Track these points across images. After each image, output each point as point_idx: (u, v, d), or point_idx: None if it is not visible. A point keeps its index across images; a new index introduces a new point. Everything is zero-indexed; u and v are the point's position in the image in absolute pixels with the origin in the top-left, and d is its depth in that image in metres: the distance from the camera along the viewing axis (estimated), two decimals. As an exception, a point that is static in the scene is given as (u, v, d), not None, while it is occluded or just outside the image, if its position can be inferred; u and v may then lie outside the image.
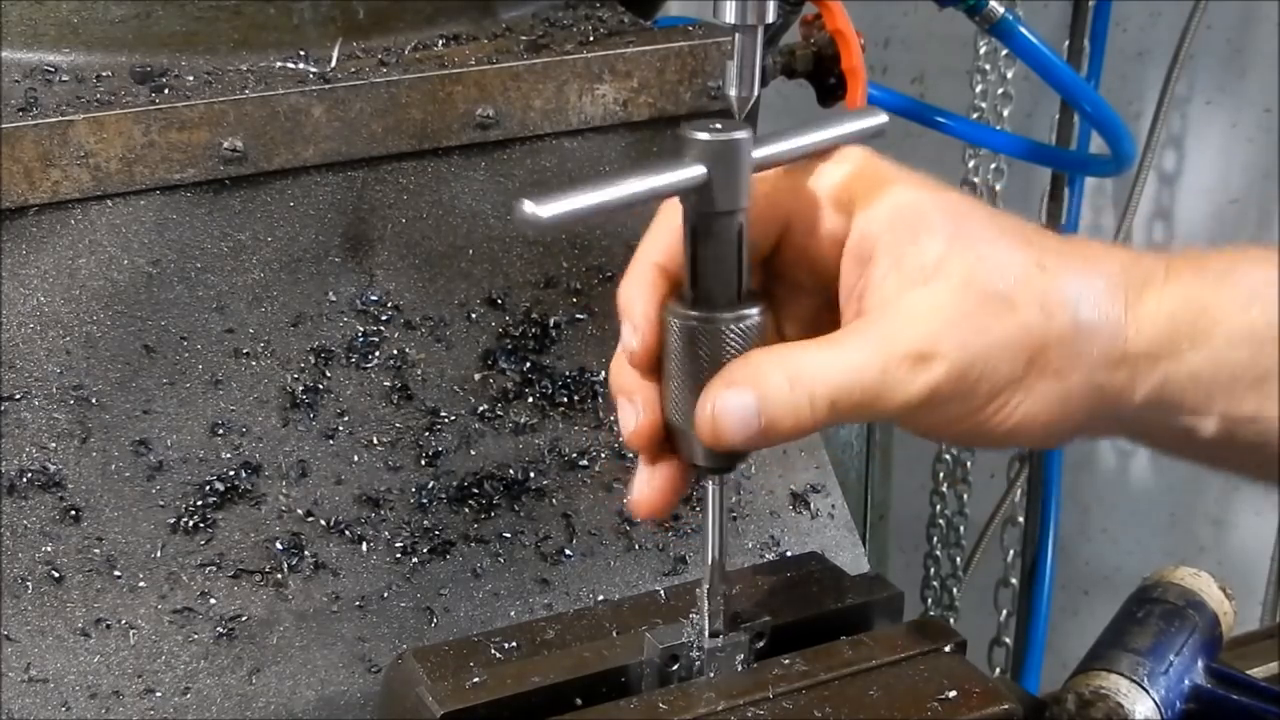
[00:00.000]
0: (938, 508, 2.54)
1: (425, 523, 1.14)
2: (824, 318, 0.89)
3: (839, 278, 0.87)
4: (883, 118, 0.90)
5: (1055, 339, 0.82)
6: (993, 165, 2.38)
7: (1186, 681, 1.08)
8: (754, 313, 0.85)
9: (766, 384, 0.83)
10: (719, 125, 0.82)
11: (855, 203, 0.86)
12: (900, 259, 0.83)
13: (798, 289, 0.90)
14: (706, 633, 0.94)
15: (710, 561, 0.94)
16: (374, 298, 1.15)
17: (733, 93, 0.85)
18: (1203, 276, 0.84)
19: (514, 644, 0.98)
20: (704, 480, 0.92)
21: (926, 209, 0.84)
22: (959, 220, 0.84)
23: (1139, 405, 0.84)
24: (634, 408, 0.88)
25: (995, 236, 0.84)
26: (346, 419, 1.14)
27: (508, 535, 1.16)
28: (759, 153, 0.85)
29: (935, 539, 2.55)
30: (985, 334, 0.82)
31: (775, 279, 0.90)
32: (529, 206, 0.79)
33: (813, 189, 0.87)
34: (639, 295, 0.87)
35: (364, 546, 1.12)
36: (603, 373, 1.21)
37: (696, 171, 0.82)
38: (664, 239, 0.87)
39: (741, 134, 0.82)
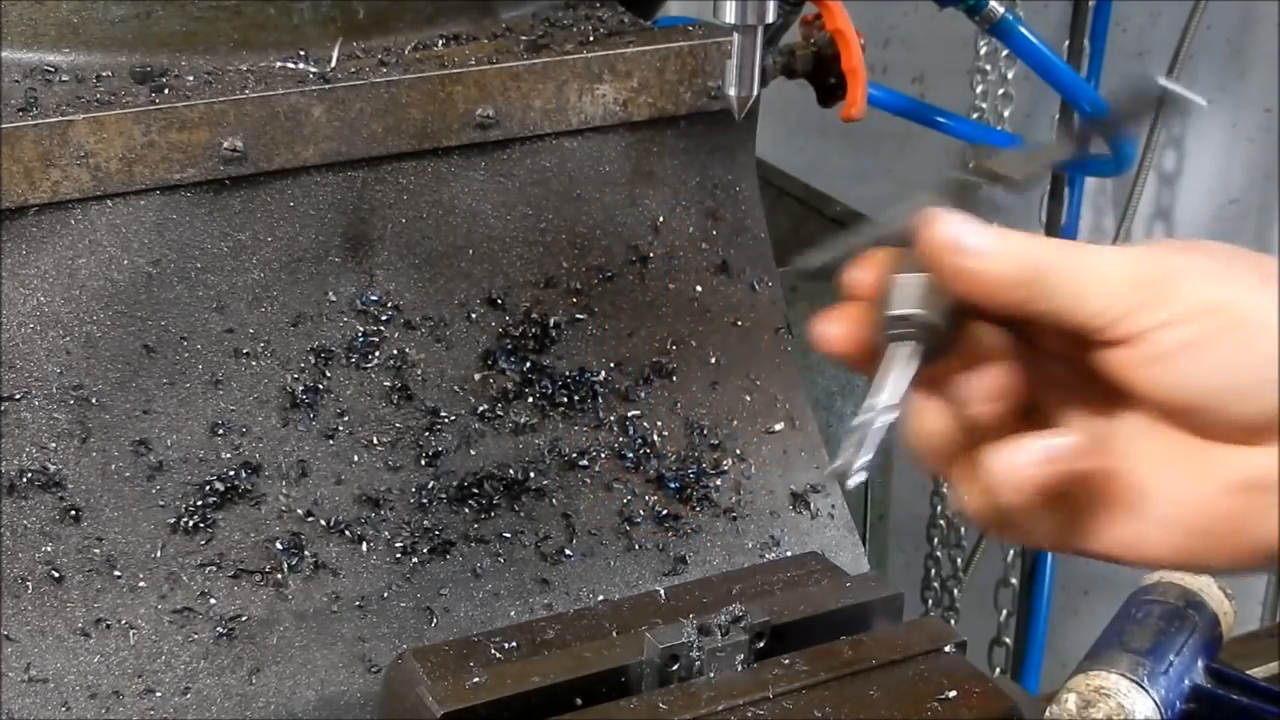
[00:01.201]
0: (938, 508, 2.53)
1: (425, 523, 1.14)
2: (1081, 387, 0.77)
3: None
4: None
5: None
6: (993, 165, 2.38)
7: (1186, 681, 1.08)
8: None
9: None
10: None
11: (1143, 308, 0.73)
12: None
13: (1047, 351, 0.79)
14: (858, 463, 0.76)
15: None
16: (374, 298, 1.15)
17: (733, 93, 0.85)
18: None
19: (514, 644, 0.98)
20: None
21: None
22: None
23: None
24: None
25: None
26: (346, 419, 1.14)
27: (508, 535, 1.16)
28: None
29: (935, 539, 2.55)
30: None
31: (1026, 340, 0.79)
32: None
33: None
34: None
35: (364, 546, 1.12)
36: (603, 373, 1.21)
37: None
38: None
39: None
